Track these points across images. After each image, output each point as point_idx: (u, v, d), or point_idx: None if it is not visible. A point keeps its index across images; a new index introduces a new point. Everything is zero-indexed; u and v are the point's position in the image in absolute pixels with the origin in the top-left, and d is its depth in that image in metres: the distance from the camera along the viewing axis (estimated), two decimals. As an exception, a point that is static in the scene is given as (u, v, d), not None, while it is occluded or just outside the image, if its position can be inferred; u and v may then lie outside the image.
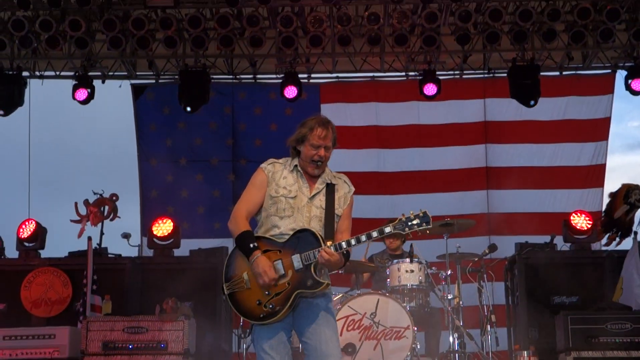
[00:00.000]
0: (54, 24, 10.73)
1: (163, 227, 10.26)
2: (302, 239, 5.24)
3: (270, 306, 5.18)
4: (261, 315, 5.20)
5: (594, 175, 12.48)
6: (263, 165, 5.50)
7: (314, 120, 5.44)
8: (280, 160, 5.51)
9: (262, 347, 5.29)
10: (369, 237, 5.24)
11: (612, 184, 12.22)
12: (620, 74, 11.96)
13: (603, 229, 9.94)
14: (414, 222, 5.26)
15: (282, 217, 5.34)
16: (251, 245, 5.24)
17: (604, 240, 10.16)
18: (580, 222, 10.17)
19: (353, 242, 5.22)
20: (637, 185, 9.60)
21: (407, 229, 5.27)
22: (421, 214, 5.28)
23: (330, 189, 5.43)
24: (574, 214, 10.30)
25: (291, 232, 5.27)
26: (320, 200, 5.39)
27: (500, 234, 12.07)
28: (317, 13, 10.84)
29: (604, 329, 8.40)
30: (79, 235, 10.14)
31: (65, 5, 10.71)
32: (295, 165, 5.44)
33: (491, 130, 12.69)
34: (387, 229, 5.26)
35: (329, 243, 5.20)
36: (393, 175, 12.64)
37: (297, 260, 5.20)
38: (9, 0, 10.80)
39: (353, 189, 5.55)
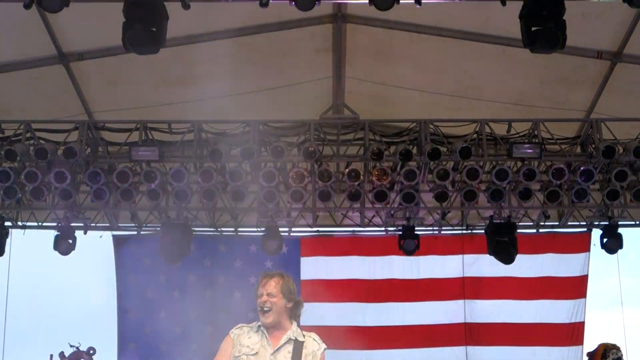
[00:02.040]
0: (40, 175, 10.70)
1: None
2: None
3: None
4: None
5: (574, 333, 12.47)
6: (232, 329, 5.64)
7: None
8: (251, 324, 5.63)
9: None
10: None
11: (592, 340, 12.10)
12: (596, 232, 12.16)
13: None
14: None
15: (247, 377, 5.34)
16: None
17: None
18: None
19: None
20: (614, 345, 9.59)
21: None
22: None
23: (297, 345, 5.46)
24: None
25: None
26: (285, 356, 5.41)
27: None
28: (299, 169, 11.01)
29: None
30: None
31: (52, 157, 10.72)
32: (259, 325, 5.54)
33: (469, 286, 12.75)
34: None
35: None
36: (372, 329, 12.56)
37: None
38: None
39: (324, 346, 5.59)
